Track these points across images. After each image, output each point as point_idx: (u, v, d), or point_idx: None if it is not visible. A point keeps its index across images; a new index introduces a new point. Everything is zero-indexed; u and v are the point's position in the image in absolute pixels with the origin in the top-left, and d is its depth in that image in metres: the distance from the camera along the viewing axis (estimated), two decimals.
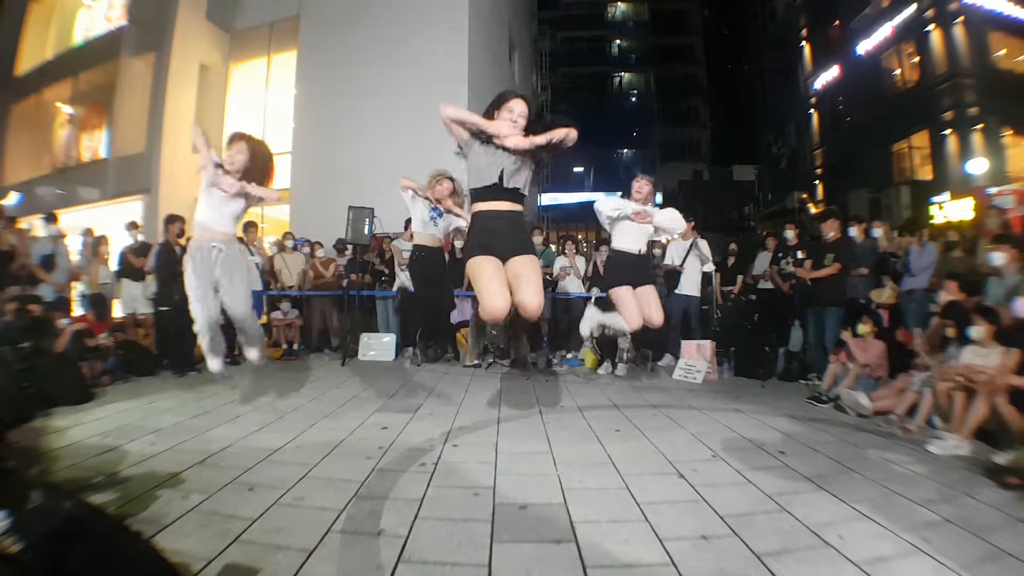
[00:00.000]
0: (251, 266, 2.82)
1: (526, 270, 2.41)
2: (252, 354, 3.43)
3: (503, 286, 2.35)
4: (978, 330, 3.21)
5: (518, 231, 2.50)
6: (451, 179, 4.04)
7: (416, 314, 4.54)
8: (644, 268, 3.58)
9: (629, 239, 3.53)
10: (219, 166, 3.02)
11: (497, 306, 2.30)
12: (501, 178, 2.38)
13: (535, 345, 5.85)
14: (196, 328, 3.10)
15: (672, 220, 3.58)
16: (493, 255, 2.42)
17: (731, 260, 6.61)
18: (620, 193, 3.76)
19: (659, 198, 25.82)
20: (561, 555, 1.64)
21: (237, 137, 3.13)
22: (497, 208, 2.43)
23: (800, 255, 5.20)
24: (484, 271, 2.37)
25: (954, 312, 3.50)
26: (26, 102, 13.04)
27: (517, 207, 2.48)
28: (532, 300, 2.32)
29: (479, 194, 2.46)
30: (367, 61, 9.34)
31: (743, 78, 29.35)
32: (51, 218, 5.82)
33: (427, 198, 3.97)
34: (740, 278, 6.46)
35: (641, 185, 3.53)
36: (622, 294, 3.46)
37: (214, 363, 3.27)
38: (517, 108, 2.38)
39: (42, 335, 4.04)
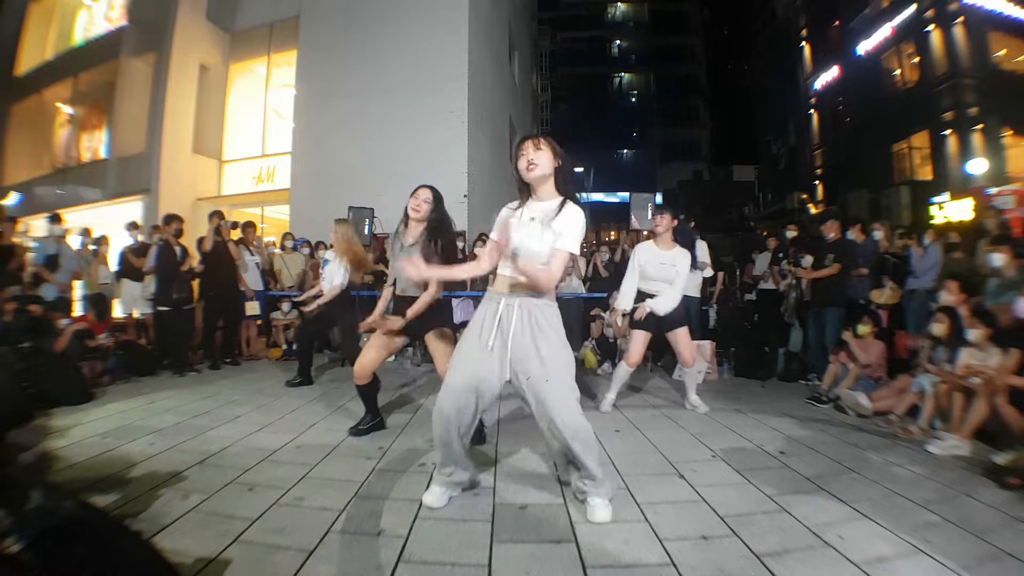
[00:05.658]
0: None
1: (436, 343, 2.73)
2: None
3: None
4: (975, 333, 3.20)
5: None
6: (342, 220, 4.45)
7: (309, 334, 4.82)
8: (672, 312, 3.57)
9: (655, 286, 3.56)
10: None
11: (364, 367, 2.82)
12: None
13: None
14: None
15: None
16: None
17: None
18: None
19: (659, 198, 25.84)
20: (561, 555, 1.64)
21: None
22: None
23: (800, 255, 5.19)
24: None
25: (949, 314, 3.48)
26: (26, 102, 13.00)
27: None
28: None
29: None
30: (367, 61, 9.33)
31: (743, 78, 29.35)
32: (56, 218, 5.82)
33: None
34: (720, 275, 6.53)
35: (661, 219, 3.59)
36: (637, 335, 3.63)
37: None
38: (421, 195, 2.68)
39: (42, 335, 4.04)
